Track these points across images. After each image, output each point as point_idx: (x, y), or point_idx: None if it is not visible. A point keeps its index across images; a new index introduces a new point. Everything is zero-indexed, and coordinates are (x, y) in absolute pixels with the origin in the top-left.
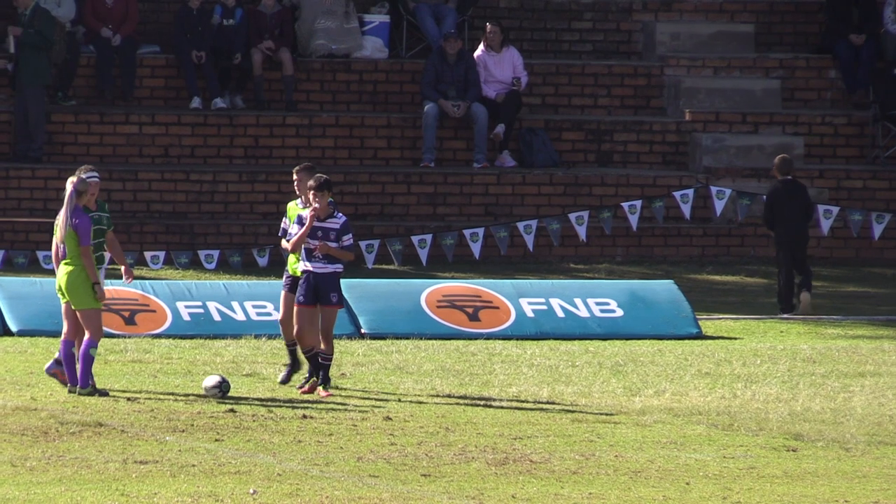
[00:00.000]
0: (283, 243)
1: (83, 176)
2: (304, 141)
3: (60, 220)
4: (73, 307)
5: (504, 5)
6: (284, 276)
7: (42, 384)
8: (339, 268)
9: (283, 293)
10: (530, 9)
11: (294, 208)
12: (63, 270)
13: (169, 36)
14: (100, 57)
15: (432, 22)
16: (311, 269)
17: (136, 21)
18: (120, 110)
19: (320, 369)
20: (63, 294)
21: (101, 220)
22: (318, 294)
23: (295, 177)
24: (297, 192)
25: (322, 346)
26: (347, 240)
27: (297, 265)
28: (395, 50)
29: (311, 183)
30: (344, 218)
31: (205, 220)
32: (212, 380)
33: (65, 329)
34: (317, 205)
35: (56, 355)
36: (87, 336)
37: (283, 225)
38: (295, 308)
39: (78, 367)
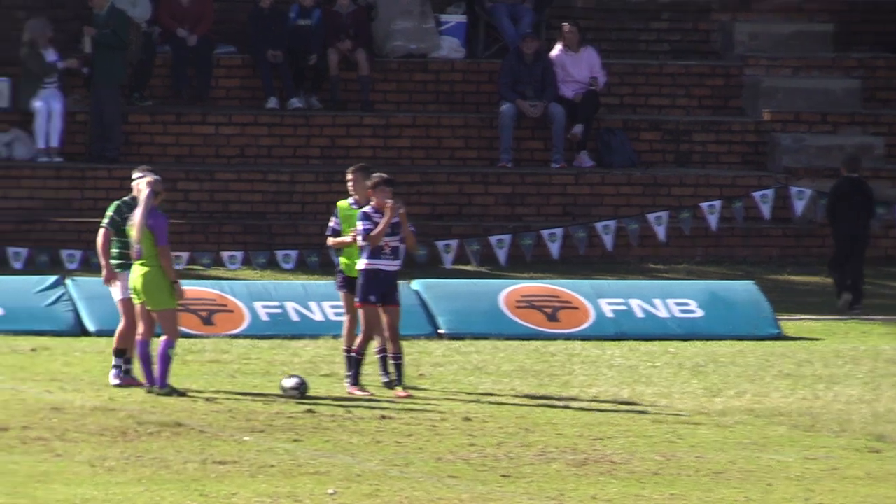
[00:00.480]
0: (330, 241)
1: (139, 174)
2: (381, 141)
3: (136, 221)
4: (148, 308)
5: (581, 5)
6: (340, 278)
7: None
8: (401, 265)
9: (343, 295)
10: (607, 9)
11: (346, 207)
12: (138, 271)
13: (245, 36)
14: (175, 57)
15: (509, 22)
16: (381, 266)
17: (212, 21)
18: (196, 110)
19: (396, 370)
20: (138, 295)
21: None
22: (386, 292)
23: (350, 176)
24: (352, 192)
25: (393, 347)
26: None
27: (355, 263)
28: (471, 50)
29: (376, 179)
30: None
31: (282, 220)
32: (290, 380)
33: (140, 329)
34: (390, 201)
35: (113, 361)
36: (164, 336)
37: (331, 224)
38: (367, 309)
39: (155, 367)
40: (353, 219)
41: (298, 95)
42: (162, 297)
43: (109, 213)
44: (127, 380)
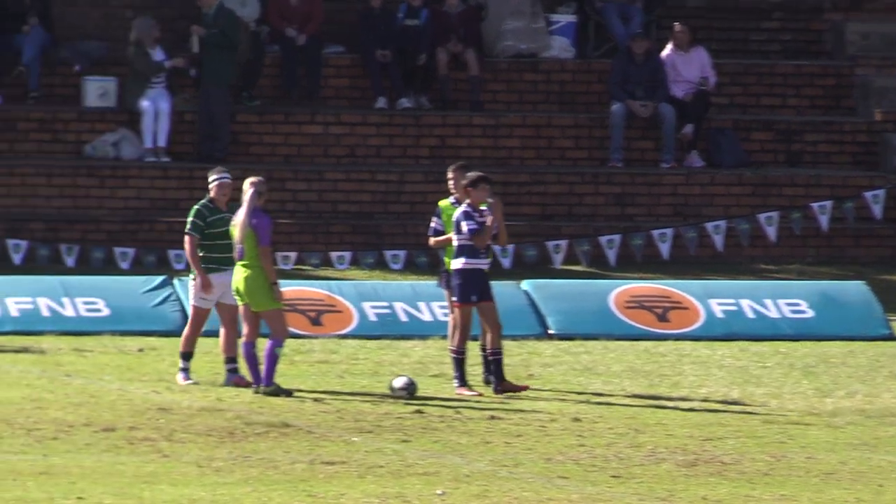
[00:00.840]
0: (432, 241)
1: (216, 176)
2: (491, 141)
3: (239, 221)
4: (253, 309)
5: (692, 5)
6: (445, 277)
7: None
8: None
9: (448, 294)
10: (718, 9)
11: (447, 206)
12: (240, 273)
13: (354, 35)
14: (284, 57)
15: (619, 21)
16: (480, 265)
17: (321, 20)
18: (305, 110)
19: (495, 366)
20: (241, 297)
21: (229, 220)
22: (484, 290)
23: (450, 175)
24: (453, 191)
25: (497, 343)
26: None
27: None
28: (581, 49)
29: (473, 177)
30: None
31: (391, 220)
32: (399, 381)
33: (245, 331)
34: (492, 199)
35: (180, 364)
36: (272, 336)
37: (433, 224)
38: (467, 308)
39: (262, 366)
40: None
41: (408, 95)
42: (266, 298)
43: (191, 218)
44: (235, 378)
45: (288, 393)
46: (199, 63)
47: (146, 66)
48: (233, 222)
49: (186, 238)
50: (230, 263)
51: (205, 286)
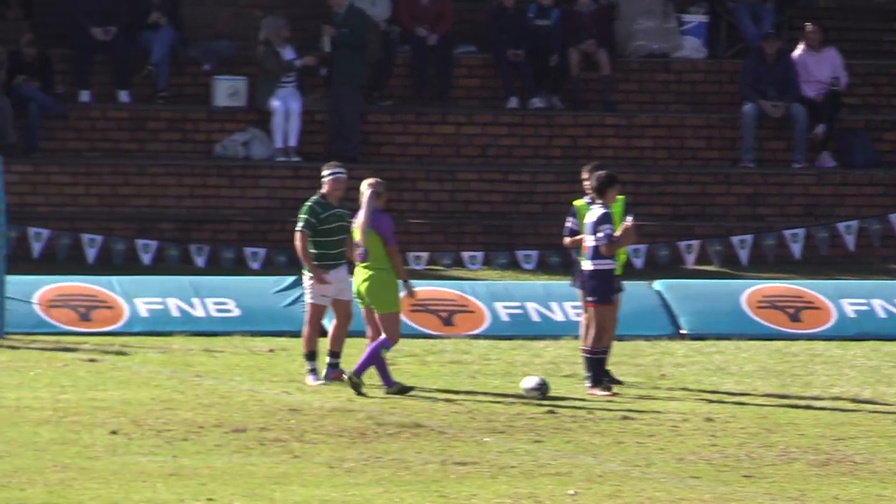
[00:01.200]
0: (567, 240)
1: (329, 171)
2: (623, 141)
3: (360, 223)
4: (374, 310)
5: (823, 5)
6: (582, 278)
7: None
8: None
9: (581, 294)
10: (850, 9)
11: (583, 206)
12: (362, 275)
13: (485, 35)
14: (415, 56)
15: (750, 22)
16: (612, 266)
17: (452, 20)
18: (436, 110)
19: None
20: (363, 299)
21: (343, 217)
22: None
23: (585, 175)
24: (588, 191)
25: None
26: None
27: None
28: (713, 50)
29: (602, 177)
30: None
31: (523, 220)
32: (531, 381)
33: (369, 334)
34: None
35: (327, 360)
36: (382, 336)
37: (568, 224)
38: (609, 308)
39: (375, 366)
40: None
41: (539, 95)
42: (388, 299)
43: (303, 215)
44: (334, 373)
45: (359, 391)
46: (330, 63)
47: (276, 66)
48: (354, 225)
49: (297, 235)
50: (343, 259)
51: (320, 280)
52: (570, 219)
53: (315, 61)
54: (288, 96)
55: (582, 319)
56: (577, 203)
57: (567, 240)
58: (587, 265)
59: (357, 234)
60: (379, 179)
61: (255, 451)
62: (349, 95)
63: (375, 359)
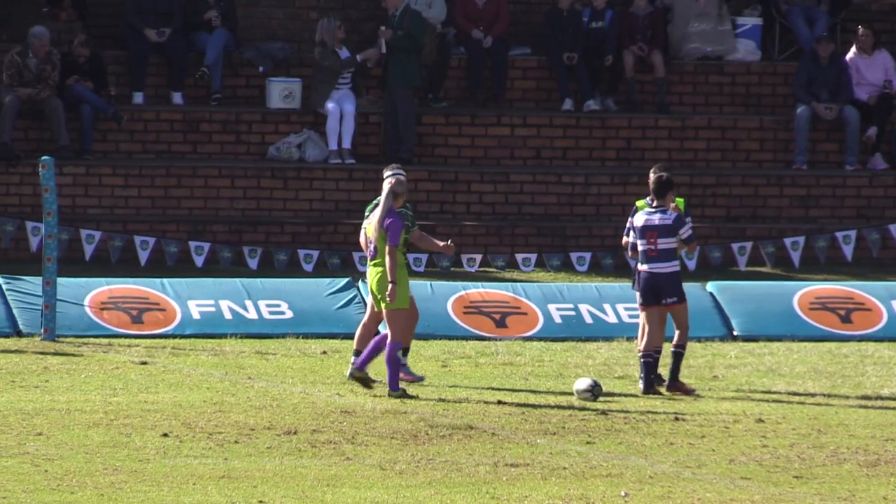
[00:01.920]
0: (625, 240)
1: (390, 172)
2: (677, 143)
3: (374, 220)
4: (377, 308)
5: (876, 8)
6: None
7: (412, 387)
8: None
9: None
10: None
11: (645, 206)
12: (374, 272)
13: (540, 37)
14: (470, 58)
15: (804, 24)
16: (661, 269)
17: (507, 22)
18: (491, 112)
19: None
20: (375, 296)
21: (406, 217)
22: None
23: (652, 176)
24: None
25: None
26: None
27: None
28: (767, 52)
29: (657, 181)
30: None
31: (576, 222)
32: (584, 382)
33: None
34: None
35: (352, 361)
36: (389, 339)
37: (628, 224)
38: (648, 310)
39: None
40: None
41: (594, 97)
42: (398, 296)
43: (368, 213)
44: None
45: (412, 396)
46: (385, 64)
47: (334, 62)
48: (367, 221)
49: (361, 231)
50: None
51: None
52: (631, 219)
53: (376, 54)
54: (342, 98)
55: (640, 321)
56: (639, 203)
57: (626, 239)
58: (650, 267)
59: (370, 231)
60: (401, 178)
61: (307, 454)
62: (404, 97)
63: (396, 363)
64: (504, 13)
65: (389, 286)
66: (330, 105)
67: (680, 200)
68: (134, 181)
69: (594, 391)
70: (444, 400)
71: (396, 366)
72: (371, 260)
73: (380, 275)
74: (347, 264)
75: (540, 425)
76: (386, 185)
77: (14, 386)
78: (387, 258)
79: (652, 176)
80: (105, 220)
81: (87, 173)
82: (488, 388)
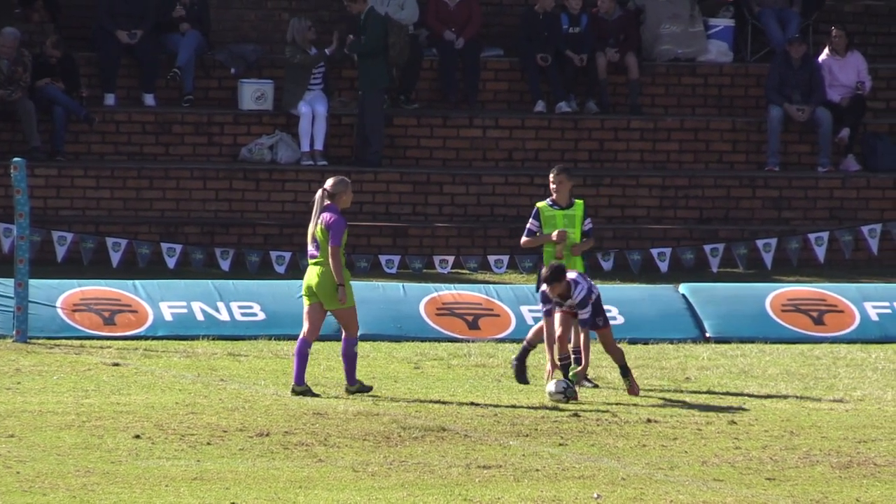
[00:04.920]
0: (524, 241)
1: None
2: (649, 145)
3: (314, 220)
4: (326, 308)
5: (849, 10)
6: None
7: (384, 388)
8: None
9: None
10: (875, 14)
11: (546, 208)
12: (314, 272)
13: (512, 39)
14: (443, 60)
15: (776, 26)
16: None
17: (480, 24)
18: (463, 114)
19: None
20: (312, 296)
21: None
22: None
23: (552, 178)
24: (553, 194)
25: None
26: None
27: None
28: (739, 53)
29: (544, 272)
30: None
31: None
32: (556, 385)
33: (306, 329)
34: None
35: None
36: (344, 335)
37: (529, 225)
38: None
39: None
40: (554, 220)
41: (566, 99)
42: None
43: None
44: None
45: (368, 388)
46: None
47: (304, 58)
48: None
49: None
50: None
51: None
52: (532, 220)
53: (335, 44)
54: (314, 99)
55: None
56: (540, 204)
57: (525, 240)
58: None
59: (316, 232)
60: (341, 178)
61: (279, 455)
62: (371, 100)
63: (353, 358)
64: (476, 15)
65: (339, 289)
66: (303, 106)
67: (580, 202)
68: (106, 183)
69: (566, 393)
70: (416, 401)
71: (353, 361)
72: (311, 260)
73: (321, 274)
74: None
75: (513, 427)
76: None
77: None
78: (331, 259)
79: (552, 177)
80: (77, 222)
81: (59, 175)
82: (461, 390)
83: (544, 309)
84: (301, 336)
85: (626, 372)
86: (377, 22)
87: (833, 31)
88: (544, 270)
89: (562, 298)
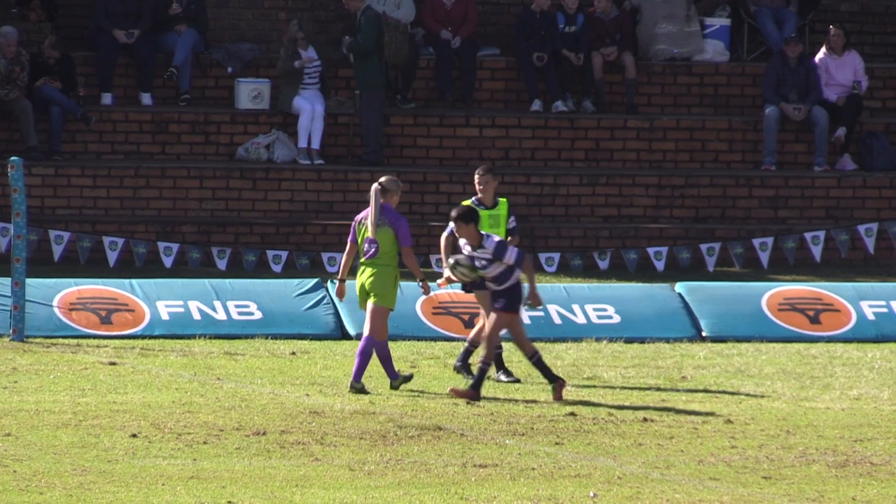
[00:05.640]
0: (444, 240)
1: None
2: (645, 144)
3: (370, 219)
4: (371, 301)
5: (845, 9)
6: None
7: (381, 388)
8: None
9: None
10: (871, 13)
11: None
12: (368, 271)
13: (509, 38)
14: (439, 59)
15: (773, 25)
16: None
17: (476, 23)
18: (460, 113)
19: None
20: (366, 294)
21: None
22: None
23: (477, 177)
24: (480, 193)
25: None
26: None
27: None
28: (735, 53)
29: (453, 213)
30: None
31: (545, 223)
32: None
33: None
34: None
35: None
36: (366, 334)
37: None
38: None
39: (355, 362)
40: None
41: (563, 98)
42: (390, 295)
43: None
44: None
45: (365, 391)
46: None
47: (285, 64)
48: (363, 221)
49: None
50: None
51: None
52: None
53: (307, 62)
54: (312, 98)
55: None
56: (465, 203)
57: (445, 239)
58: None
59: (369, 231)
60: (394, 178)
61: (276, 454)
62: (368, 100)
63: (368, 357)
64: (473, 14)
65: (422, 283)
66: (301, 102)
67: (503, 201)
68: (103, 182)
69: (459, 263)
70: (412, 400)
71: (366, 360)
72: (366, 259)
73: (375, 273)
74: (316, 265)
75: (509, 426)
76: (375, 184)
77: None
78: (405, 260)
79: (477, 177)
80: (74, 221)
81: (56, 174)
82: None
83: (448, 262)
84: (365, 335)
85: (498, 365)
86: (373, 21)
87: (831, 30)
88: (455, 209)
89: (471, 245)
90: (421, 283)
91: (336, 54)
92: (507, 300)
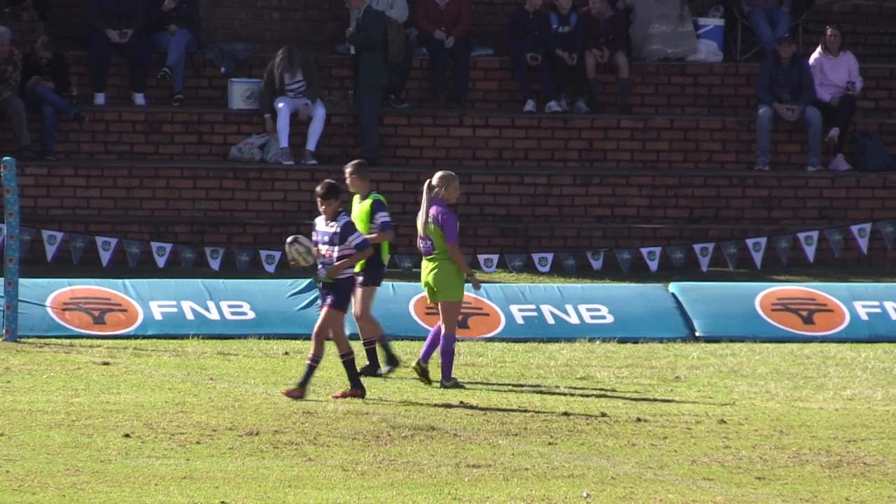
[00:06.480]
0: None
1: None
2: (639, 144)
3: (421, 216)
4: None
5: (838, 10)
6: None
7: (375, 388)
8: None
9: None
10: (864, 13)
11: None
12: (429, 267)
13: (502, 38)
14: (432, 59)
15: (766, 25)
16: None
17: (470, 23)
18: (453, 113)
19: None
20: (431, 291)
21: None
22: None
23: (347, 174)
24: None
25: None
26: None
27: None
28: (729, 53)
29: (317, 189)
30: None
31: (539, 223)
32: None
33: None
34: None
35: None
36: (443, 331)
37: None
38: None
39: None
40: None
41: (556, 98)
42: (453, 289)
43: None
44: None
45: (462, 385)
46: (356, 65)
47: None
48: (418, 219)
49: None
50: None
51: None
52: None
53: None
54: (299, 102)
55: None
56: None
57: (381, 235)
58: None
59: (420, 227)
60: (448, 173)
61: (269, 455)
62: (368, 97)
63: (450, 355)
64: (466, 14)
65: (471, 278)
66: (280, 104)
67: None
68: (96, 182)
69: (297, 241)
70: (406, 401)
71: (450, 357)
72: (426, 256)
73: (436, 268)
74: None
75: (502, 426)
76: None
77: None
78: (452, 256)
79: (347, 173)
80: (67, 221)
81: (49, 174)
82: (450, 389)
83: (288, 239)
84: (443, 332)
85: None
86: (377, 18)
87: (828, 31)
88: (320, 186)
89: (326, 217)
90: (470, 278)
91: (337, 108)
92: (338, 296)
